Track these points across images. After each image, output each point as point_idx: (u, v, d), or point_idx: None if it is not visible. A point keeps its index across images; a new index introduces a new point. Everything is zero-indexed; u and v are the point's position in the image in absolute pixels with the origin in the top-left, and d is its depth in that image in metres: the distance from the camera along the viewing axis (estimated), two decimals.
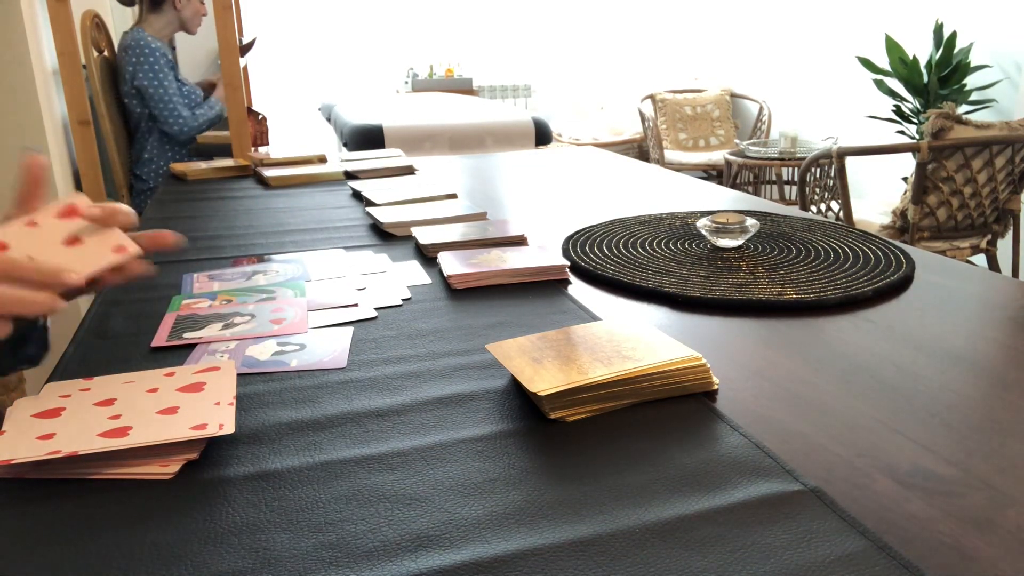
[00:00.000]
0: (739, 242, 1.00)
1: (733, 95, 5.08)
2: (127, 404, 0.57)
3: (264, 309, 0.81)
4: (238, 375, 0.66)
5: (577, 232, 1.09)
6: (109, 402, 0.57)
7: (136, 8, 2.78)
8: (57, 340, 0.72)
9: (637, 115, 4.99)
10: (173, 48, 2.85)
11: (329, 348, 0.71)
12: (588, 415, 0.58)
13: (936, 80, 3.33)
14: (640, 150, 5.00)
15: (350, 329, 0.76)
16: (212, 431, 0.52)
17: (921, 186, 2.47)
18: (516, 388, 0.63)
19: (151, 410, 0.55)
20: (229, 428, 0.53)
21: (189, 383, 0.60)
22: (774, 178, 4.34)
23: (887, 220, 2.69)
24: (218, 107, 2.79)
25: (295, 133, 4.96)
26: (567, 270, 0.93)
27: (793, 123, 4.56)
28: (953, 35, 3.32)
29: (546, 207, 1.31)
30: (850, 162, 2.64)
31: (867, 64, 3.59)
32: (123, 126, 2.81)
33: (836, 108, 4.29)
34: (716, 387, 0.62)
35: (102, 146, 2.51)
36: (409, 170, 1.60)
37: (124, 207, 0.62)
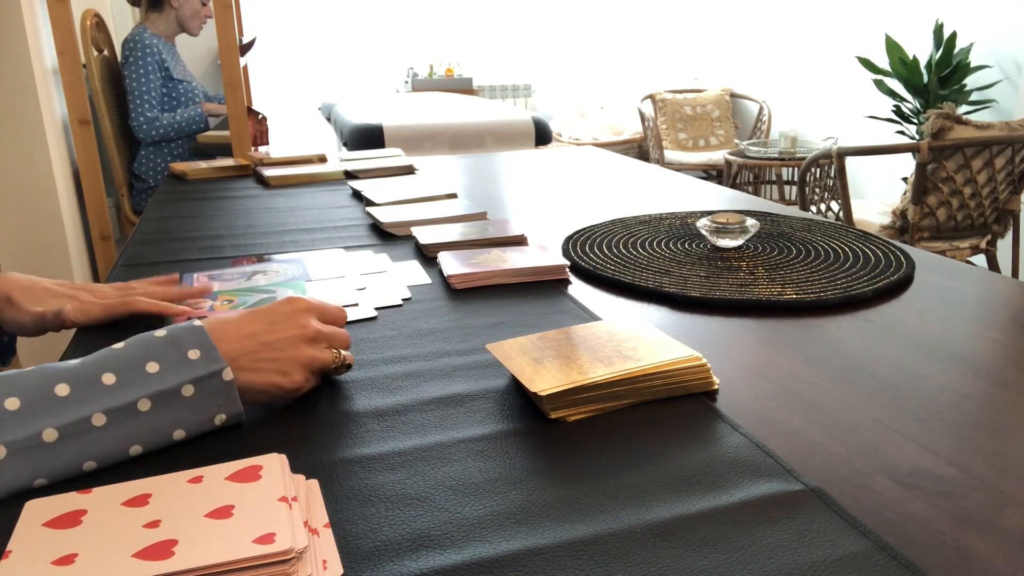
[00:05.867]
0: (739, 242, 1.00)
1: (733, 95, 5.08)
2: (165, 502, 0.45)
3: None
4: None
5: (577, 232, 1.09)
6: (142, 499, 0.45)
7: (142, 7, 2.78)
8: (58, 340, 0.72)
9: (637, 115, 4.98)
10: (174, 48, 2.85)
11: None
12: (588, 415, 0.58)
13: (936, 80, 3.33)
14: (640, 150, 5.00)
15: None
16: (283, 544, 0.40)
17: (921, 186, 2.47)
18: (516, 388, 0.63)
19: (197, 510, 0.44)
20: (336, 569, 0.41)
21: (239, 468, 0.49)
22: (774, 178, 4.34)
23: (887, 220, 2.69)
24: (193, 114, 2.75)
25: (295, 133, 4.96)
26: (567, 270, 0.93)
27: (793, 123, 4.56)
28: (953, 35, 3.32)
29: (546, 207, 1.31)
30: (850, 162, 2.65)
31: (867, 64, 3.59)
32: (123, 126, 2.81)
33: (836, 108, 4.29)
34: (716, 387, 0.62)
35: (102, 146, 2.51)
36: (409, 170, 1.60)
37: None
